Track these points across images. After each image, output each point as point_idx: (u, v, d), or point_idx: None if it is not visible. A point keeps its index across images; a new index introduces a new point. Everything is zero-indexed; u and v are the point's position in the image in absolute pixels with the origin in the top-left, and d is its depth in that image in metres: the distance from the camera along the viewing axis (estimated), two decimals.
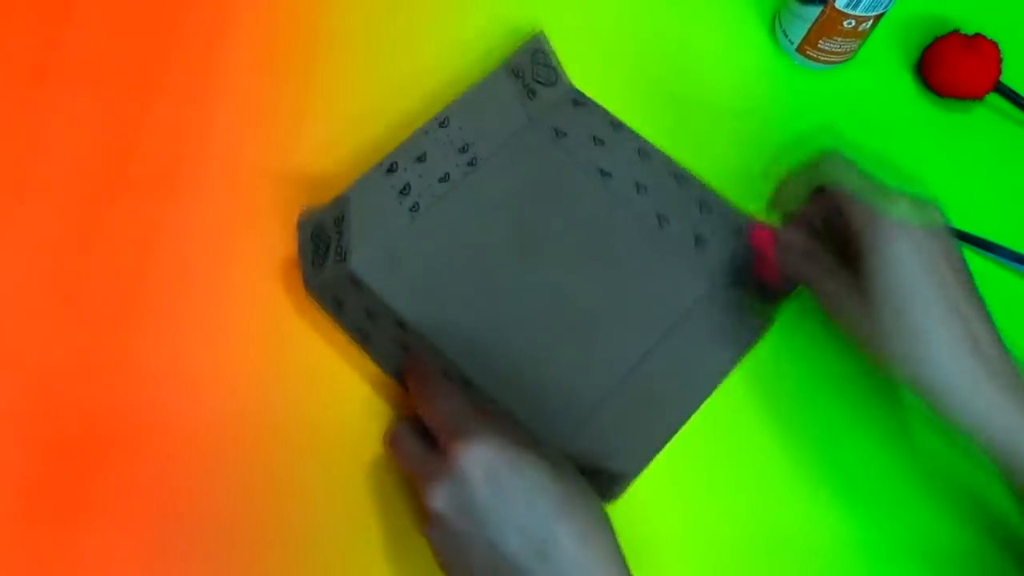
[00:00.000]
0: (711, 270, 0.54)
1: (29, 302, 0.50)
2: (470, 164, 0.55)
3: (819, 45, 0.60)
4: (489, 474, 0.39)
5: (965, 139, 0.62)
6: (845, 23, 0.58)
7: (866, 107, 0.62)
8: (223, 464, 0.48)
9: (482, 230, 0.54)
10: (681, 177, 0.56)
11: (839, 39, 0.59)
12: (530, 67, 0.57)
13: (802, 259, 0.49)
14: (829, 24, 0.58)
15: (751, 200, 0.56)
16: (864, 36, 0.60)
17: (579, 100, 0.58)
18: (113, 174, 0.54)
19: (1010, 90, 0.61)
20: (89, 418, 0.48)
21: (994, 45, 0.60)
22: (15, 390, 0.48)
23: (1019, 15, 0.66)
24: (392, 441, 0.46)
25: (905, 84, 0.63)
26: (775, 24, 0.63)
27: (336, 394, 0.50)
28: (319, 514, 0.48)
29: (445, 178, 0.54)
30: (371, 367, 0.50)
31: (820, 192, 0.49)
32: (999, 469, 0.44)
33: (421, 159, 0.54)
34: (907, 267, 0.44)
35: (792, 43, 0.61)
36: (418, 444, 0.44)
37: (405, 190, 0.53)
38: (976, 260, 0.58)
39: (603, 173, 0.56)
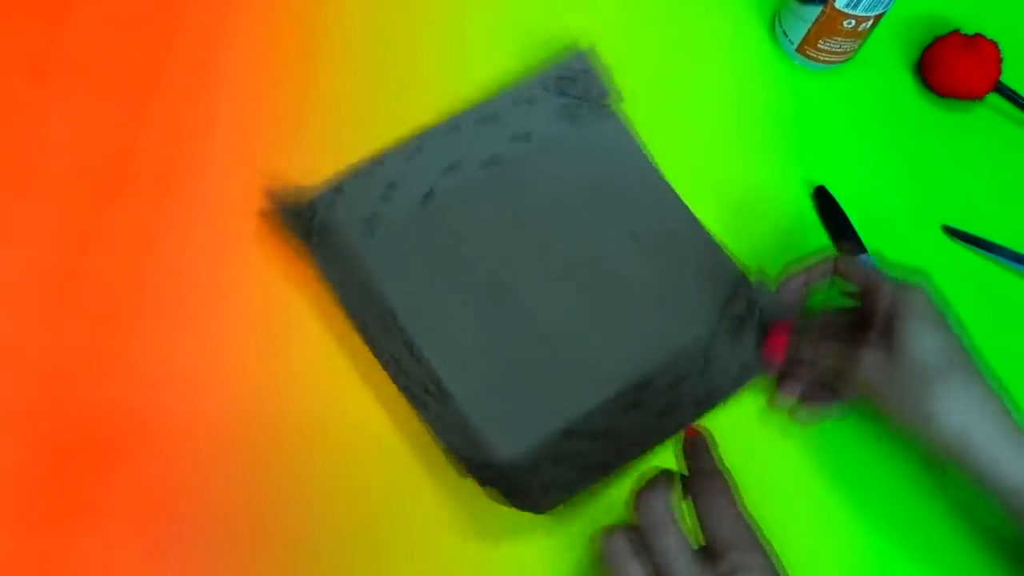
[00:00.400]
0: (708, 316, 0.53)
1: (29, 302, 0.50)
2: (489, 164, 0.55)
3: (819, 45, 0.60)
4: None
5: (965, 139, 0.62)
6: (845, 23, 0.58)
7: (866, 107, 0.62)
8: (223, 464, 0.48)
9: (485, 237, 0.54)
10: (691, 229, 0.55)
11: (839, 39, 0.59)
12: (576, 84, 0.56)
13: (823, 363, 0.49)
14: (829, 24, 0.58)
15: (751, 199, 0.56)
16: (864, 36, 0.60)
17: (624, 131, 0.57)
18: (113, 174, 0.54)
19: (1010, 90, 0.61)
20: (89, 418, 0.48)
21: (994, 45, 0.60)
22: (15, 390, 0.48)
23: (1019, 15, 0.66)
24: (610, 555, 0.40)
25: (905, 84, 0.63)
26: (775, 24, 0.63)
27: (336, 394, 0.50)
28: (319, 514, 0.47)
29: (454, 168, 0.54)
30: (371, 366, 0.50)
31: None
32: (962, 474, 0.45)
33: (448, 165, 0.54)
34: (938, 339, 0.46)
35: (792, 43, 0.61)
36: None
37: (425, 188, 0.54)
38: (976, 260, 0.58)
39: (618, 202, 0.55)
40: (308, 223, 0.51)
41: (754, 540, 0.39)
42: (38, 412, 0.48)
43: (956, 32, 0.61)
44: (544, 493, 0.47)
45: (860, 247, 0.56)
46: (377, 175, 0.53)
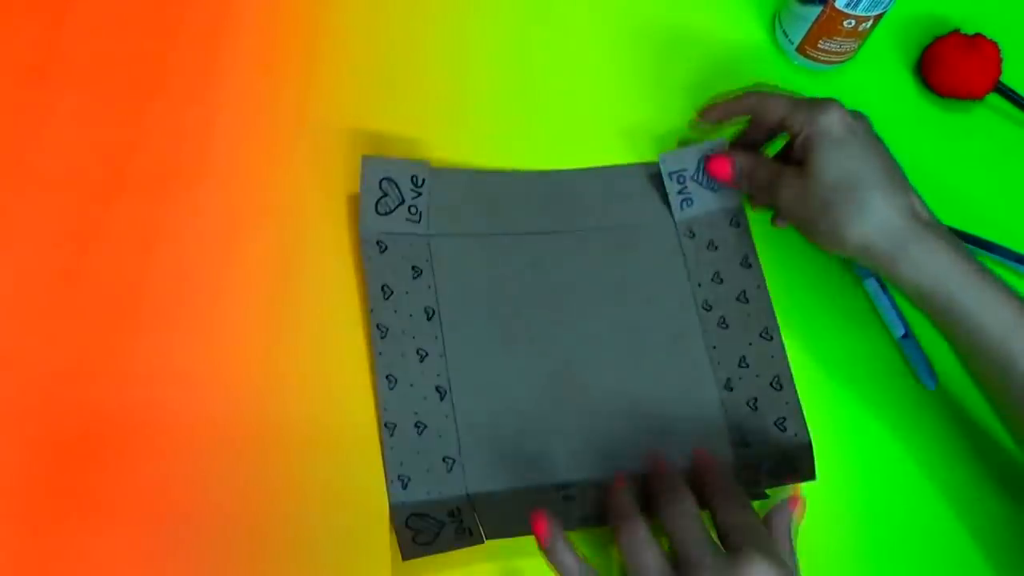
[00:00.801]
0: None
1: (29, 302, 0.50)
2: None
3: (819, 45, 0.60)
4: None
5: (965, 139, 0.62)
6: (845, 23, 0.58)
7: (866, 107, 0.62)
8: (223, 464, 0.48)
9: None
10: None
11: (839, 39, 0.59)
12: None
13: (756, 175, 0.53)
14: (829, 24, 0.58)
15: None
16: (864, 36, 0.60)
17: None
18: (113, 174, 0.54)
19: (1010, 90, 0.61)
20: (89, 418, 0.48)
21: (994, 45, 0.60)
22: (15, 390, 0.48)
23: (1019, 15, 0.66)
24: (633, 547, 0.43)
25: (905, 84, 0.63)
26: (775, 24, 0.63)
27: (336, 394, 0.50)
28: (319, 514, 0.47)
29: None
30: (372, 365, 0.50)
31: (755, 116, 0.54)
32: (939, 324, 0.47)
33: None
34: (846, 149, 0.48)
35: (792, 43, 0.61)
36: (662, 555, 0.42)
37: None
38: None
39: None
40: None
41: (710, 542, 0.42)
42: (38, 412, 0.48)
43: (956, 32, 0.61)
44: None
45: None
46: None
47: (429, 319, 0.51)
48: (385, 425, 0.48)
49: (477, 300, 0.52)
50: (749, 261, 0.54)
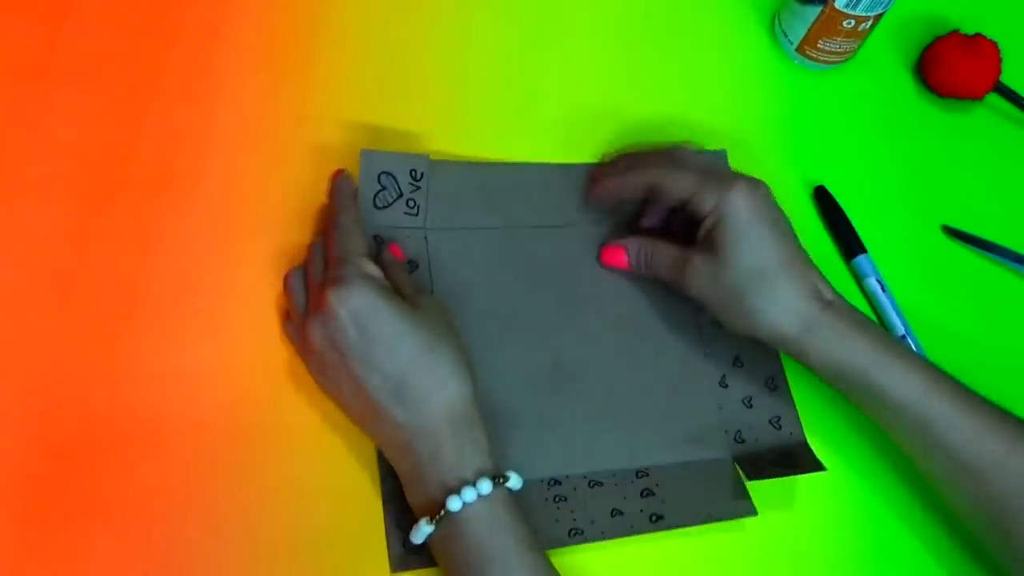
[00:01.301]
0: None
1: (29, 302, 0.50)
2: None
3: (819, 45, 0.60)
4: (355, 319, 0.44)
5: (965, 139, 0.62)
6: (845, 23, 0.58)
7: (866, 107, 0.62)
8: (223, 464, 0.48)
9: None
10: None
11: (839, 39, 0.59)
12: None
13: (655, 262, 0.52)
14: (829, 24, 0.58)
15: None
16: (864, 36, 0.60)
17: None
18: (112, 174, 0.54)
19: (1010, 90, 0.61)
20: (89, 418, 0.48)
21: (994, 45, 0.60)
22: (15, 390, 0.48)
23: (1019, 15, 0.66)
24: (285, 279, 0.49)
25: (905, 84, 0.63)
26: (775, 24, 0.63)
27: None
28: (319, 514, 0.47)
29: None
30: None
31: (654, 195, 0.51)
32: (856, 399, 0.48)
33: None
34: (755, 232, 0.48)
35: (792, 43, 0.61)
36: (301, 286, 0.48)
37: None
38: (976, 260, 0.58)
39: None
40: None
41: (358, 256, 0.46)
42: (38, 412, 0.48)
43: (956, 32, 0.61)
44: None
45: (860, 247, 0.56)
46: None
47: None
48: None
49: (473, 294, 0.52)
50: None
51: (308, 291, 0.47)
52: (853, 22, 0.58)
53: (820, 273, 0.49)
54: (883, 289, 0.55)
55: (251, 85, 0.57)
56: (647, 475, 0.50)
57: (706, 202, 0.48)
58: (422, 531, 0.43)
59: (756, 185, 0.49)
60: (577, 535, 0.47)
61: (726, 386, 0.52)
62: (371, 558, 0.47)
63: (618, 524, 0.48)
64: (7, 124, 0.54)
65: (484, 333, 0.51)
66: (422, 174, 0.52)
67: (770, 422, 0.51)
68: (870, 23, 0.58)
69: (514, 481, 0.44)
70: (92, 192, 0.53)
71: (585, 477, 0.49)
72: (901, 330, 0.54)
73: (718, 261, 0.48)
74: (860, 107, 0.62)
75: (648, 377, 0.52)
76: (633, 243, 0.53)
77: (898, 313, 0.55)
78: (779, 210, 0.49)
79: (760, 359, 0.53)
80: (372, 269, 0.46)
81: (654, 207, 0.53)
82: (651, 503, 0.49)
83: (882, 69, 0.63)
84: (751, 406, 0.52)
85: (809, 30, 0.60)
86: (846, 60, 0.62)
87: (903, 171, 0.60)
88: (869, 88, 0.63)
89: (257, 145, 0.55)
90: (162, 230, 0.53)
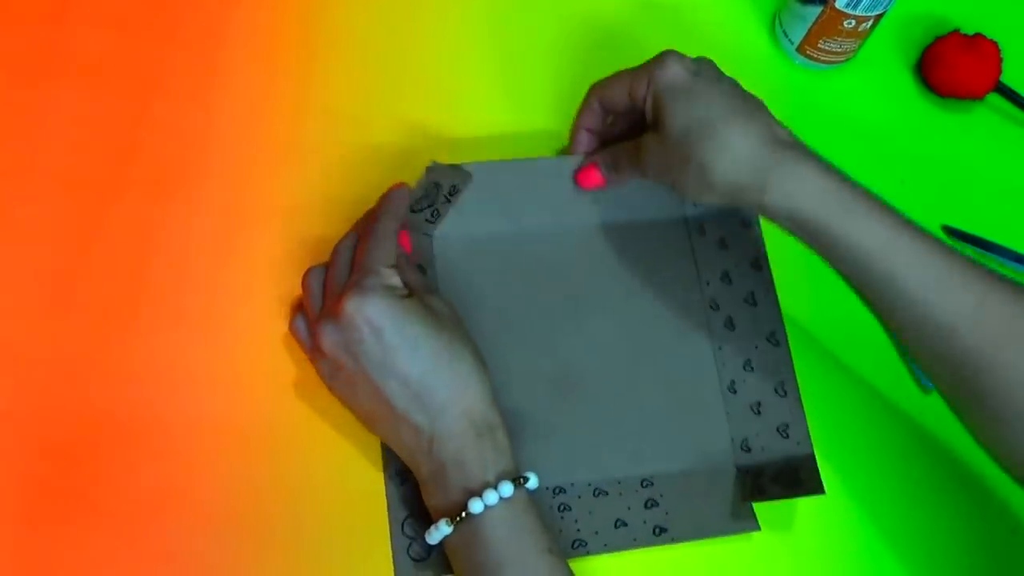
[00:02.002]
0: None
1: (29, 302, 0.50)
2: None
3: (819, 45, 0.60)
4: (371, 326, 0.43)
5: (965, 139, 0.62)
6: (845, 23, 0.58)
7: (866, 107, 0.62)
8: (223, 464, 0.48)
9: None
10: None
11: (839, 39, 0.59)
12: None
13: (620, 162, 0.52)
14: (829, 24, 0.58)
15: None
16: (864, 36, 0.60)
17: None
18: (113, 173, 0.54)
19: (1010, 90, 0.61)
20: (89, 418, 0.48)
21: (994, 45, 0.60)
22: (15, 390, 0.48)
23: (1019, 15, 0.66)
24: (304, 277, 0.48)
25: (905, 84, 0.63)
26: (775, 24, 0.63)
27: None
28: (319, 514, 0.47)
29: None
30: None
31: (605, 107, 0.52)
32: (818, 249, 0.46)
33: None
34: (693, 94, 0.47)
35: (792, 43, 0.61)
36: (320, 287, 0.47)
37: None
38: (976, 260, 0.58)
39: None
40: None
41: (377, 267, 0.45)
42: (38, 412, 0.48)
43: (956, 32, 0.61)
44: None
45: None
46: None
47: None
48: None
49: (479, 300, 0.52)
50: (759, 263, 0.54)
51: (325, 292, 0.47)
52: (854, 22, 0.58)
53: (774, 118, 0.47)
54: None
55: (252, 84, 0.57)
56: (652, 484, 0.49)
57: (641, 88, 0.48)
58: (440, 532, 0.43)
59: (682, 56, 0.48)
60: (580, 547, 0.47)
61: (735, 391, 0.52)
62: (372, 558, 0.47)
63: (621, 536, 0.48)
64: (8, 123, 0.54)
65: (489, 339, 0.51)
66: (459, 190, 0.52)
67: (778, 430, 0.51)
68: (870, 23, 0.58)
69: (533, 481, 0.44)
70: (93, 191, 0.53)
71: (590, 485, 0.49)
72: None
73: (663, 132, 0.47)
74: (860, 107, 0.62)
75: (656, 383, 0.52)
76: (597, 156, 0.53)
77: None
78: (722, 75, 0.49)
79: (771, 363, 0.52)
80: (395, 280, 0.45)
81: (612, 119, 0.53)
82: (655, 515, 0.48)
83: (882, 69, 0.63)
84: (759, 412, 0.51)
85: (810, 30, 0.60)
86: (847, 60, 0.62)
87: (903, 171, 0.60)
88: (869, 88, 0.63)
89: (258, 144, 0.55)
90: (163, 229, 0.53)
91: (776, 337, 0.52)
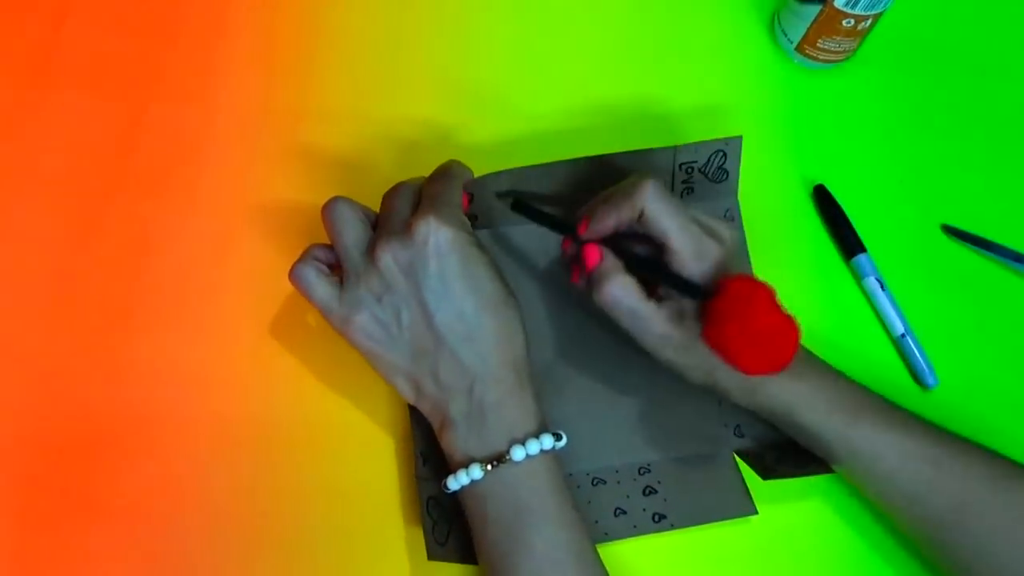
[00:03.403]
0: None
1: (28, 302, 0.50)
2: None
3: (818, 44, 0.60)
4: (441, 251, 0.43)
5: (965, 139, 0.62)
6: (844, 22, 0.58)
7: (866, 106, 0.62)
8: (223, 464, 0.48)
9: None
10: None
11: (838, 38, 0.59)
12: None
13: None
14: (828, 23, 0.58)
15: (751, 198, 0.56)
16: (863, 35, 0.60)
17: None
18: (112, 174, 0.54)
19: None
20: (89, 418, 0.48)
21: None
22: (15, 390, 0.48)
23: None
24: (389, 192, 0.46)
25: (905, 83, 0.63)
26: (774, 23, 0.63)
27: (335, 393, 0.50)
28: (319, 514, 0.47)
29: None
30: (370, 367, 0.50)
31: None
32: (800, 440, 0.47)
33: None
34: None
35: (791, 42, 0.61)
36: (407, 206, 0.45)
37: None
38: (976, 260, 0.58)
39: None
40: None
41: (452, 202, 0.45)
42: (38, 412, 0.48)
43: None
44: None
45: (860, 246, 0.56)
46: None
47: None
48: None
49: None
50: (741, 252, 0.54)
51: (379, 223, 0.45)
52: (852, 21, 0.58)
53: None
54: (882, 288, 0.55)
55: (250, 85, 0.57)
56: (649, 471, 0.50)
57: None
58: (470, 476, 0.42)
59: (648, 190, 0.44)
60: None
61: None
62: (373, 557, 0.47)
63: (622, 524, 0.48)
64: (7, 124, 0.54)
65: None
66: (471, 199, 0.52)
67: None
68: (869, 22, 0.58)
69: (564, 440, 0.45)
70: (92, 191, 0.53)
71: (588, 475, 0.49)
72: (900, 329, 0.54)
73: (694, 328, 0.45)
74: (860, 106, 0.62)
75: (648, 371, 0.52)
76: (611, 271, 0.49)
77: (898, 312, 0.54)
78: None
79: None
80: (464, 219, 0.45)
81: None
82: (654, 501, 0.49)
83: (882, 68, 0.63)
84: None
85: (809, 29, 0.59)
86: (846, 59, 0.62)
87: (903, 170, 0.60)
88: (869, 87, 0.62)
89: (256, 145, 0.55)
90: (162, 229, 0.53)
91: None
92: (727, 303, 0.41)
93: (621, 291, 0.44)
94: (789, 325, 0.41)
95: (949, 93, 0.62)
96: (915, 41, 0.64)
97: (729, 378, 0.45)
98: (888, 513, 0.48)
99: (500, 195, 0.52)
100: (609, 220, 0.45)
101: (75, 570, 0.45)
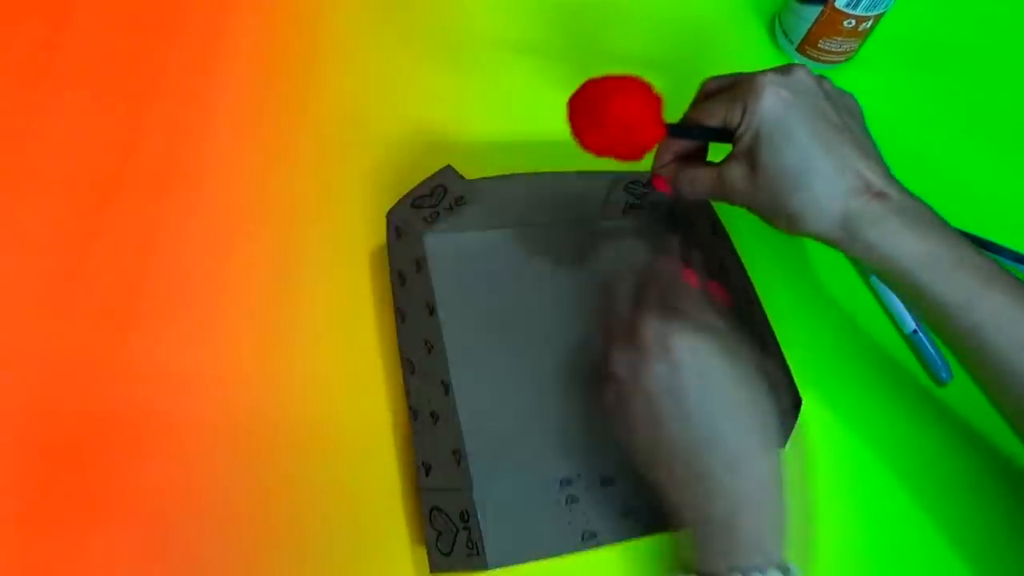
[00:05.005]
0: None
1: (29, 302, 0.50)
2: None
3: (819, 45, 0.60)
4: (696, 365, 0.42)
5: (965, 139, 0.62)
6: (845, 23, 0.58)
7: (867, 107, 0.62)
8: (223, 464, 0.48)
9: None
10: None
11: (839, 39, 0.59)
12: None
13: (697, 186, 0.49)
14: (829, 24, 0.58)
15: None
16: (864, 36, 0.60)
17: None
18: (112, 174, 0.54)
19: None
20: (89, 418, 0.48)
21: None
22: (14, 390, 0.48)
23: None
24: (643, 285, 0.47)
25: (906, 83, 0.63)
26: (775, 24, 0.63)
27: (335, 393, 0.50)
28: (319, 514, 0.47)
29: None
30: (370, 367, 0.50)
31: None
32: (903, 298, 0.46)
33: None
34: (787, 134, 0.45)
35: (792, 43, 0.61)
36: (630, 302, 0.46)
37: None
38: None
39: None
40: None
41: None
42: (37, 412, 0.48)
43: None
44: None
45: None
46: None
47: (431, 314, 0.52)
48: (410, 408, 0.48)
49: (475, 296, 0.52)
50: (726, 264, 0.54)
51: (633, 312, 0.45)
52: (853, 22, 0.58)
53: (875, 161, 0.46)
54: None
55: (251, 85, 0.57)
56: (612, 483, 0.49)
57: (735, 118, 0.46)
58: None
59: (782, 84, 0.45)
60: (591, 539, 0.47)
61: None
62: (374, 558, 0.47)
63: (631, 525, 0.48)
64: (7, 123, 0.54)
65: (488, 335, 0.51)
66: (464, 203, 0.52)
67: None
68: (870, 23, 0.58)
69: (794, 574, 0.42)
70: (92, 192, 0.53)
71: (595, 472, 0.49)
72: (912, 326, 0.54)
73: (752, 169, 0.46)
74: (863, 106, 0.62)
75: None
76: (675, 171, 0.50)
77: (907, 307, 0.55)
78: (811, 96, 0.46)
79: (748, 324, 0.51)
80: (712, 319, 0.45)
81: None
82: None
83: (882, 68, 0.63)
84: None
85: (809, 30, 0.60)
86: (847, 60, 0.62)
87: (904, 170, 0.60)
88: (870, 88, 0.63)
89: (257, 145, 0.55)
90: (163, 229, 0.53)
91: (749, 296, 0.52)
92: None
93: (690, 181, 0.48)
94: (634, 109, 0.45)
95: (950, 93, 0.62)
96: (916, 42, 0.64)
97: (819, 219, 0.44)
98: (1003, 398, 0.45)
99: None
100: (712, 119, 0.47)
101: (75, 570, 0.45)
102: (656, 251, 0.55)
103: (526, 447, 0.49)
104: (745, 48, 0.63)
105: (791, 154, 0.45)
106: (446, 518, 0.46)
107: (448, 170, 0.51)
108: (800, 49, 0.61)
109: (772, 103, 0.45)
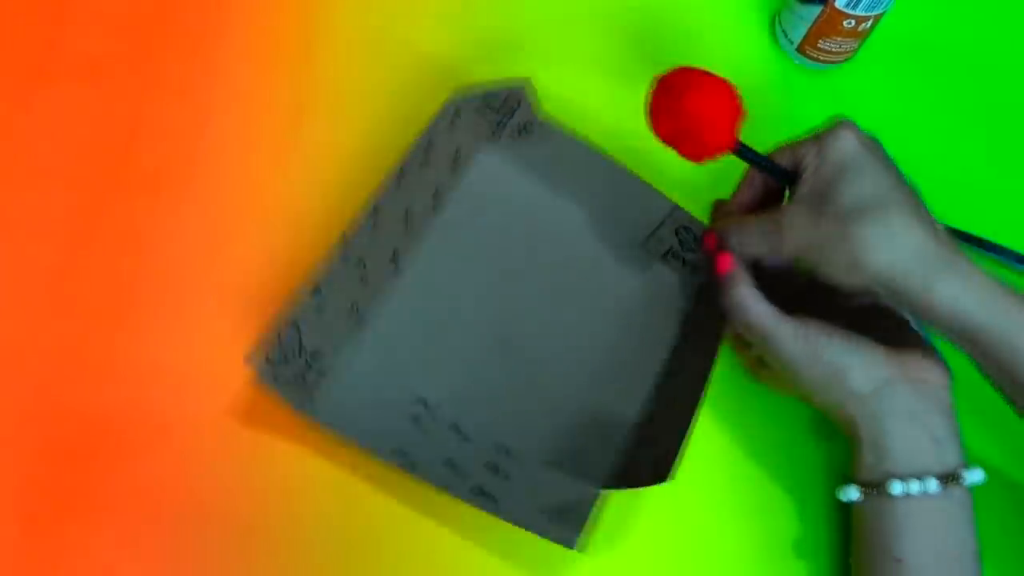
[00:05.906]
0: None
1: (27, 302, 0.50)
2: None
3: (819, 45, 0.60)
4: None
5: (965, 139, 0.62)
6: (845, 23, 0.58)
7: (867, 107, 0.62)
8: (222, 464, 0.48)
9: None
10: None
11: (839, 39, 0.59)
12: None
13: (747, 239, 0.49)
14: (829, 24, 0.58)
15: None
16: (864, 36, 0.60)
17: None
18: (111, 173, 0.54)
19: None
20: (88, 418, 0.48)
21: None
22: (14, 390, 0.48)
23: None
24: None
25: (906, 83, 0.63)
26: (775, 24, 0.63)
27: None
28: (319, 514, 0.47)
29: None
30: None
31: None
32: (975, 353, 0.44)
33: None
34: (865, 171, 0.45)
35: (792, 43, 0.61)
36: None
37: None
38: (976, 260, 0.58)
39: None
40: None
41: None
42: (36, 412, 0.48)
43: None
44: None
45: None
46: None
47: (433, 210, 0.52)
48: (343, 239, 0.47)
49: (479, 231, 0.53)
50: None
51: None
52: (853, 22, 0.58)
53: (932, 215, 0.45)
54: None
55: (249, 84, 0.57)
56: (508, 454, 0.49)
57: (809, 156, 0.46)
58: (847, 495, 0.46)
59: (857, 130, 0.46)
60: (402, 457, 0.45)
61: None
62: (374, 556, 0.47)
63: (446, 475, 0.46)
64: (5, 123, 0.54)
65: (468, 266, 0.52)
66: (528, 132, 0.53)
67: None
68: (870, 23, 0.58)
69: (976, 475, 0.44)
70: (90, 191, 0.53)
71: (486, 434, 0.48)
72: (914, 326, 0.54)
73: (818, 207, 0.44)
74: (861, 107, 0.62)
75: (575, 363, 0.52)
76: (726, 229, 0.49)
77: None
78: (883, 149, 0.47)
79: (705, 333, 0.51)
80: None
81: (747, 182, 0.51)
82: (489, 478, 0.47)
83: (883, 69, 0.63)
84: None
85: (809, 30, 0.60)
86: (847, 60, 0.62)
87: (904, 171, 0.60)
88: (870, 88, 0.63)
89: (255, 144, 0.55)
90: (161, 228, 0.53)
91: None
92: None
93: (749, 302, 0.47)
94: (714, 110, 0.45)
95: (950, 93, 0.62)
96: (916, 42, 0.64)
97: (892, 250, 0.43)
98: None
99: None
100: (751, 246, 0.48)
101: (75, 570, 0.45)
102: (658, 313, 0.54)
103: (423, 363, 0.49)
104: (745, 48, 0.63)
105: (869, 183, 0.44)
106: (299, 343, 0.44)
107: (528, 87, 0.51)
108: (800, 49, 0.61)
109: (851, 139, 0.46)
